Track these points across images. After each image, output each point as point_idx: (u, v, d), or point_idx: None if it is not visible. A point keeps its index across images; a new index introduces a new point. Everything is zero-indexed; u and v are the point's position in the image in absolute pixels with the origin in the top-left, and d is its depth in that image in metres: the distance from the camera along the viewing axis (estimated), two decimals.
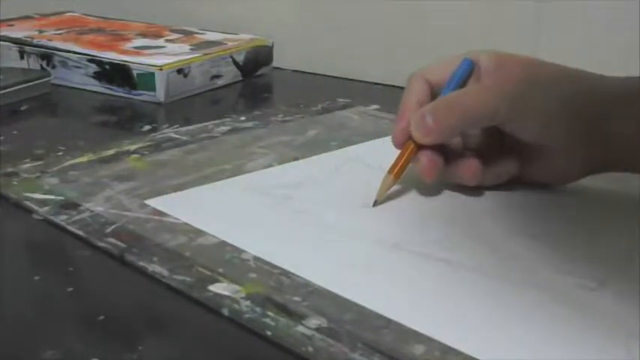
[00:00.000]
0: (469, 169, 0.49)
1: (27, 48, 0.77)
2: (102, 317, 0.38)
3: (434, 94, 0.51)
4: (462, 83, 0.50)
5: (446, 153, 0.50)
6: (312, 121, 0.65)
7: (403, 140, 0.50)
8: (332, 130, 0.63)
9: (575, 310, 0.38)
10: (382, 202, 0.49)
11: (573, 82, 0.49)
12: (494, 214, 0.49)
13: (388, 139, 0.52)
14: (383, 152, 0.54)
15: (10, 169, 0.53)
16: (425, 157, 0.49)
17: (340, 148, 0.59)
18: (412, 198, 0.50)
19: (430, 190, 0.51)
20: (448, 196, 0.51)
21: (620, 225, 0.47)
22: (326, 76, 0.81)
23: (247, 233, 0.45)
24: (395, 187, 0.51)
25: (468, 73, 0.51)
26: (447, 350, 0.34)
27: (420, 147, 0.49)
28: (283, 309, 0.37)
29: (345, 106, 0.69)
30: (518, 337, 0.36)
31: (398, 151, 0.51)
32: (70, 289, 0.40)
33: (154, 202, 0.48)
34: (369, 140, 0.60)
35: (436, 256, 0.43)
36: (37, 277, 0.41)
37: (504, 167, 0.51)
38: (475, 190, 0.51)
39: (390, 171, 0.50)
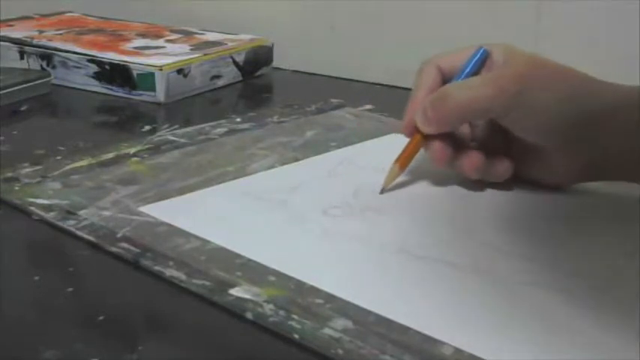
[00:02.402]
0: (471, 162, 0.50)
1: (27, 48, 0.77)
2: (102, 317, 0.38)
3: (445, 82, 0.51)
4: (475, 72, 0.50)
5: (454, 143, 0.50)
6: (309, 122, 0.65)
7: (412, 130, 0.51)
8: (330, 131, 0.63)
9: (581, 311, 0.38)
10: (389, 190, 0.51)
11: (573, 85, 0.49)
12: (498, 215, 0.49)
13: (385, 139, 0.52)
14: (382, 153, 0.54)
15: (9, 174, 0.52)
16: (434, 146, 0.50)
17: (340, 148, 0.59)
18: (413, 200, 0.50)
19: (431, 191, 0.51)
20: (450, 199, 0.51)
21: (621, 225, 0.47)
22: (326, 76, 0.81)
23: (248, 240, 0.44)
24: (396, 190, 0.51)
25: (481, 62, 0.50)
26: None
27: (427, 137, 0.50)
28: (307, 311, 0.37)
29: (338, 106, 0.69)
30: (525, 339, 0.36)
31: (391, 151, 0.51)
32: (70, 289, 0.40)
33: (154, 209, 0.48)
34: (368, 140, 0.60)
35: (441, 259, 0.43)
36: (37, 277, 0.41)
37: (505, 164, 0.51)
38: (478, 192, 0.51)
39: (397, 160, 0.51)
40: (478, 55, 0.50)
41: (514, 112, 0.48)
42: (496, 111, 0.48)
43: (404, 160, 0.51)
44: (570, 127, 0.48)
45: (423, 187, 0.52)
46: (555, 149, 0.49)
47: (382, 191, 0.50)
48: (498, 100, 0.47)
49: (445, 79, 0.51)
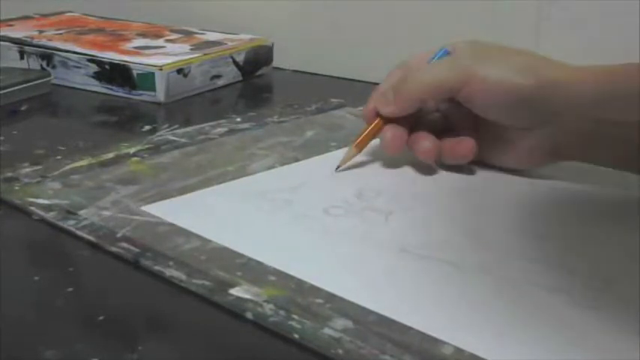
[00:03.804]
0: (422, 145, 0.53)
1: (27, 48, 0.77)
2: (102, 317, 0.38)
3: None
4: None
5: (412, 129, 0.53)
6: (308, 122, 0.65)
7: (371, 115, 0.54)
8: (330, 131, 0.63)
9: (581, 311, 0.38)
10: (344, 169, 0.54)
11: (527, 59, 0.51)
12: (499, 215, 0.49)
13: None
14: (383, 153, 0.54)
15: (9, 174, 0.52)
16: (389, 132, 0.53)
17: (340, 148, 0.59)
18: (414, 199, 0.50)
19: (432, 191, 0.51)
20: (451, 199, 0.51)
21: (622, 224, 0.47)
22: (326, 76, 0.82)
23: (249, 239, 0.44)
24: (396, 189, 0.51)
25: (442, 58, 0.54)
26: None
27: (385, 122, 0.53)
28: (307, 311, 0.37)
29: (338, 106, 0.69)
30: (526, 338, 0.36)
31: None
32: (70, 289, 0.40)
33: (154, 208, 0.48)
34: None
35: (442, 259, 0.43)
36: (37, 277, 0.41)
37: (467, 144, 0.53)
38: (480, 192, 0.51)
39: (354, 141, 0.54)
40: (440, 53, 0.54)
41: (469, 85, 0.50)
42: (450, 84, 0.51)
43: (361, 142, 0.54)
44: (528, 100, 0.49)
45: (423, 188, 0.52)
46: (517, 128, 0.51)
47: (337, 170, 0.54)
48: (452, 72, 0.51)
49: None
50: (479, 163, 0.54)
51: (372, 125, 0.54)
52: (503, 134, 0.52)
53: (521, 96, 0.49)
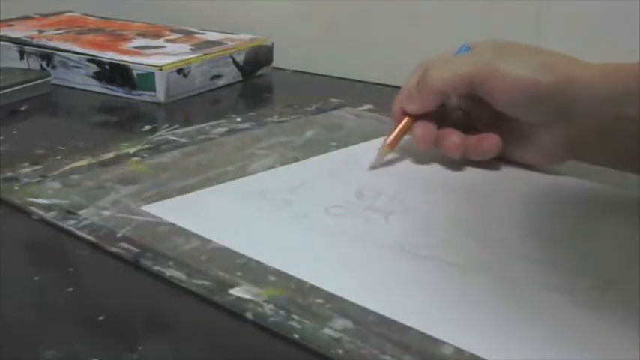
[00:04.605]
0: (450, 141, 0.53)
1: (27, 48, 0.77)
2: (102, 317, 0.38)
3: None
4: None
5: (440, 127, 0.54)
6: (309, 122, 0.65)
7: (399, 114, 0.55)
8: (330, 131, 0.63)
9: (581, 310, 0.38)
10: (378, 167, 0.54)
11: (547, 57, 0.51)
12: (499, 214, 0.49)
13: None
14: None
15: (9, 174, 0.52)
16: (419, 128, 0.54)
17: (340, 148, 0.59)
18: (415, 199, 0.50)
19: (433, 191, 0.51)
20: (452, 199, 0.51)
21: (625, 224, 0.47)
22: (326, 76, 0.81)
23: (249, 239, 0.44)
24: (396, 189, 0.51)
25: None
26: None
27: (414, 120, 0.54)
28: (307, 311, 0.37)
29: (338, 106, 0.69)
30: (526, 338, 0.36)
31: (395, 152, 0.54)
32: (70, 289, 0.40)
33: (155, 208, 0.48)
34: (368, 141, 0.60)
35: (442, 259, 0.43)
36: (37, 277, 0.41)
37: (492, 140, 0.53)
38: (481, 192, 0.51)
39: (386, 140, 0.55)
40: (462, 51, 0.54)
41: (490, 80, 0.51)
42: (471, 78, 0.51)
43: (393, 140, 0.55)
44: (547, 97, 0.50)
45: (424, 187, 0.52)
46: (535, 125, 0.52)
47: (371, 168, 0.54)
48: (473, 67, 0.51)
49: None
50: (497, 158, 0.55)
51: (402, 124, 0.55)
52: (522, 130, 0.53)
53: (540, 92, 0.50)
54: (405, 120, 0.54)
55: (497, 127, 0.54)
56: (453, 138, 0.53)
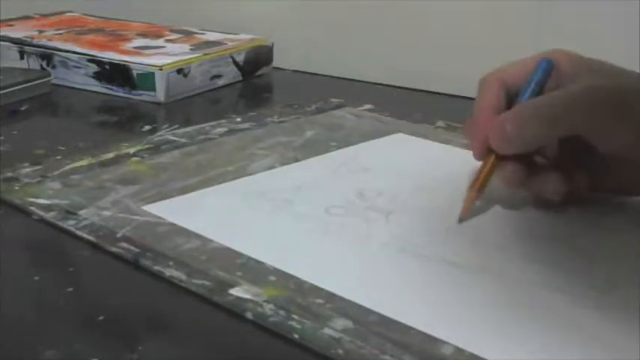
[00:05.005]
0: (553, 185, 0.47)
1: (27, 48, 0.77)
2: (102, 317, 0.38)
3: (509, 98, 0.48)
4: (542, 85, 0.47)
5: (528, 163, 0.47)
6: (309, 122, 0.65)
7: (482, 151, 0.47)
8: (330, 131, 0.63)
9: (582, 310, 0.38)
10: (466, 219, 0.47)
11: None
12: (498, 215, 0.49)
13: (389, 139, 0.52)
14: (385, 153, 0.54)
15: (9, 174, 0.52)
16: (509, 167, 0.46)
17: (340, 148, 0.59)
18: (415, 200, 0.50)
19: (433, 191, 0.51)
20: (453, 198, 0.51)
21: (625, 224, 0.47)
22: (326, 76, 0.81)
23: (250, 239, 0.44)
24: (396, 189, 0.51)
25: (547, 74, 0.48)
26: None
27: (501, 157, 0.46)
28: (307, 311, 0.37)
29: (338, 106, 0.69)
30: (526, 338, 0.36)
31: (394, 150, 0.51)
32: (70, 289, 0.40)
33: (154, 208, 0.48)
34: (368, 141, 0.60)
35: (442, 259, 0.43)
36: (37, 277, 0.41)
37: (583, 181, 0.48)
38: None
39: (473, 186, 0.47)
40: (544, 66, 0.48)
41: (608, 125, 0.44)
42: (590, 125, 0.44)
43: (481, 185, 0.47)
44: None
45: (424, 187, 0.52)
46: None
47: (460, 221, 0.47)
48: (593, 113, 0.44)
49: (509, 94, 0.48)
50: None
51: (489, 164, 0.47)
52: (618, 163, 0.47)
53: None
54: (492, 158, 0.46)
55: (582, 162, 0.48)
56: (556, 181, 0.46)
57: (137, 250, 0.43)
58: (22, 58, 0.77)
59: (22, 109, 0.68)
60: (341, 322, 0.36)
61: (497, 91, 0.48)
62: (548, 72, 0.48)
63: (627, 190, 0.50)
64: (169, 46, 0.77)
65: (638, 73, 0.48)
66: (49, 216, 0.47)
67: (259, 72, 0.81)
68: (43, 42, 0.77)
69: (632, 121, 0.44)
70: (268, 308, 0.38)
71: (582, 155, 0.47)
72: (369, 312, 0.37)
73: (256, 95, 0.77)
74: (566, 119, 0.44)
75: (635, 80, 0.48)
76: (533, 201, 0.50)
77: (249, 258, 0.42)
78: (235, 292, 0.39)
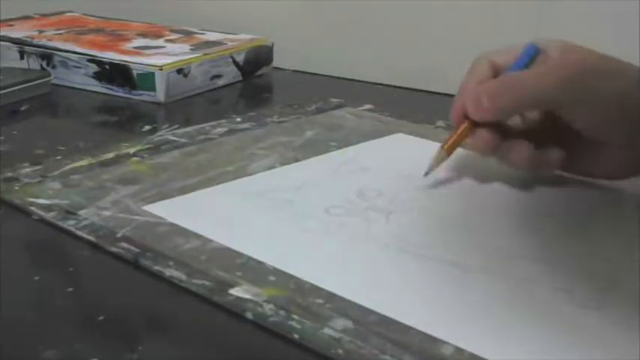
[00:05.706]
0: (520, 152, 0.49)
1: (27, 48, 0.77)
2: (102, 317, 0.38)
3: (497, 76, 0.50)
4: (525, 67, 0.50)
5: (502, 132, 0.49)
6: (309, 122, 0.65)
7: (460, 117, 0.50)
8: (330, 131, 0.63)
9: (585, 310, 0.38)
10: (432, 172, 0.51)
11: (633, 78, 0.48)
12: (499, 214, 0.49)
13: (389, 139, 0.52)
14: (385, 153, 0.54)
15: (9, 174, 0.52)
16: (480, 134, 0.49)
17: (340, 148, 0.59)
18: (415, 200, 0.50)
19: (432, 191, 0.51)
20: (453, 198, 0.51)
21: (626, 224, 0.47)
22: (326, 76, 0.82)
23: (250, 239, 0.44)
24: (396, 189, 0.51)
25: (532, 57, 0.50)
26: None
27: (475, 125, 0.49)
28: (307, 311, 0.37)
29: (338, 106, 0.69)
30: (526, 338, 0.36)
31: (395, 150, 0.51)
32: (70, 289, 0.40)
33: (155, 208, 0.48)
34: (368, 141, 0.60)
35: (442, 259, 0.43)
36: (37, 277, 0.41)
37: (558, 153, 0.50)
38: (482, 192, 0.51)
39: (444, 145, 0.51)
40: (530, 50, 0.50)
41: (573, 101, 0.46)
42: (556, 100, 0.47)
43: (451, 145, 0.51)
44: (629, 120, 0.47)
45: (424, 187, 0.52)
46: (610, 141, 0.48)
47: (426, 174, 0.51)
48: (559, 89, 0.47)
49: (497, 73, 0.51)
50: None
51: (462, 128, 0.50)
52: (589, 146, 0.49)
53: (628, 120, 0.46)
54: (465, 124, 0.50)
55: (558, 139, 0.50)
56: (521, 150, 0.49)
57: (137, 250, 0.43)
58: (22, 58, 0.77)
59: (22, 109, 0.68)
60: (341, 322, 0.36)
61: (485, 67, 0.51)
62: (532, 56, 0.50)
63: (606, 174, 0.51)
64: (169, 46, 0.77)
65: (633, 65, 0.49)
66: (49, 216, 0.47)
67: (259, 72, 0.81)
68: (43, 42, 0.77)
69: (595, 102, 0.46)
70: (268, 308, 0.38)
71: (561, 132, 0.49)
72: (369, 312, 0.37)
73: (256, 95, 0.77)
74: (533, 94, 0.47)
75: (599, 60, 0.49)
76: (533, 201, 0.50)
77: (249, 258, 0.42)
78: (235, 292, 0.39)
